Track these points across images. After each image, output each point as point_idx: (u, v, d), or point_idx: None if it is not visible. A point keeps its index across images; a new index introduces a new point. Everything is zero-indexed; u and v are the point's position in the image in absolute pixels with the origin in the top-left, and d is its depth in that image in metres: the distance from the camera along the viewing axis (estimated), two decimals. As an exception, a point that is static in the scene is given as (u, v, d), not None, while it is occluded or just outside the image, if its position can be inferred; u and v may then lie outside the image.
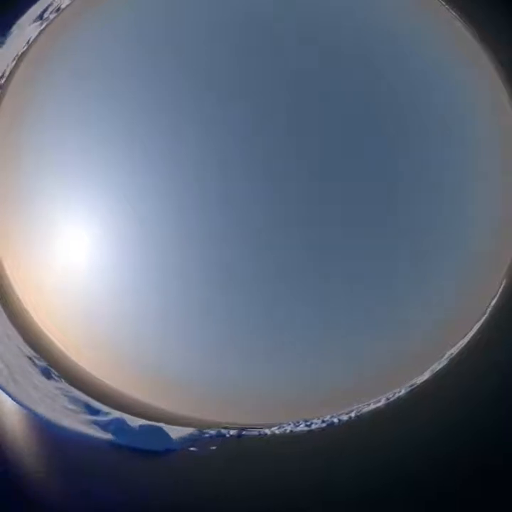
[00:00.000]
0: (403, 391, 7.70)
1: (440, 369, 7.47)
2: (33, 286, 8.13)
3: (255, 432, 7.85)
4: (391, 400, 7.57)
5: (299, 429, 7.72)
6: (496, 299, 7.90)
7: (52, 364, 7.59)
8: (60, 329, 8.37)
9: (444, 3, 7.35)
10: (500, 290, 7.26)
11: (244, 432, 8.00)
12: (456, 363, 7.26)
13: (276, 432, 7.92)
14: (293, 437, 7.54)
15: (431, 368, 7.67)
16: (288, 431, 7.88)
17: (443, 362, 7.61)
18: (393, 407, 7.41)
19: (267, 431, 7.95)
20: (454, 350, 7.56)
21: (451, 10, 7.44)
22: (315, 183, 8.39)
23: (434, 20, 8.48)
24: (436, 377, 7.39)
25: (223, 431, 7.67)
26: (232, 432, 7.79)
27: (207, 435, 7.44)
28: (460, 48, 8.23)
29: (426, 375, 7.72)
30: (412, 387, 7.74)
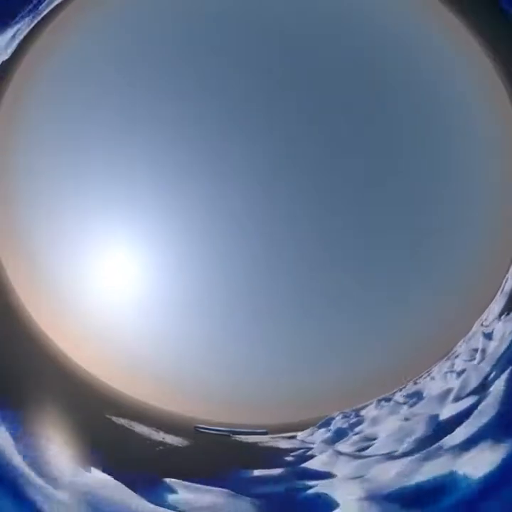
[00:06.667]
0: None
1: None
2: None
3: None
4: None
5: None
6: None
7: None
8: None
9: (444, 3, 7.38)
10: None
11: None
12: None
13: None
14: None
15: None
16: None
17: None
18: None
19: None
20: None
21: (451, 11, 7.47)
22: (324, 192, 8.42)
23: (435, 21, 8.53)
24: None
25: None
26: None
27: None
28: (460, 48, 8.28)
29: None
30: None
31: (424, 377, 13.08)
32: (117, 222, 17.52)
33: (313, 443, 11.95)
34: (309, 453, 10.72)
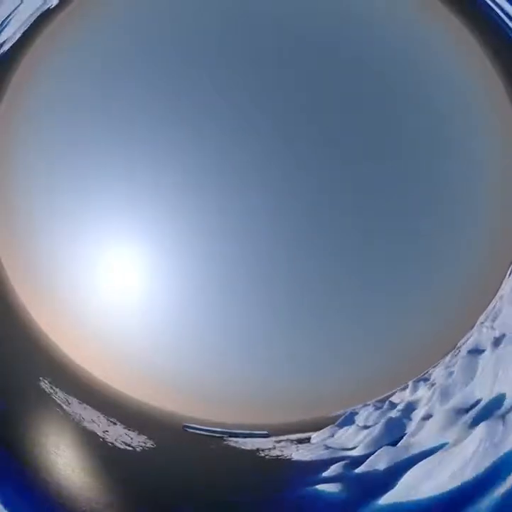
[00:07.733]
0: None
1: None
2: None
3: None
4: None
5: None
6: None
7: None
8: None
9: (444, 4, 7.40)
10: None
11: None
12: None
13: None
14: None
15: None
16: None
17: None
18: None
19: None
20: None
21: (451, 11, 7.50)
22: (323, 193, 8.48)
23: (435, 21, 8.55)
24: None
25: None
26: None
27: None
28: (460, 48, 8.30)
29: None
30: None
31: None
32: (118, 223, 17.59)
33: (345, 447, 8.21)
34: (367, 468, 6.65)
